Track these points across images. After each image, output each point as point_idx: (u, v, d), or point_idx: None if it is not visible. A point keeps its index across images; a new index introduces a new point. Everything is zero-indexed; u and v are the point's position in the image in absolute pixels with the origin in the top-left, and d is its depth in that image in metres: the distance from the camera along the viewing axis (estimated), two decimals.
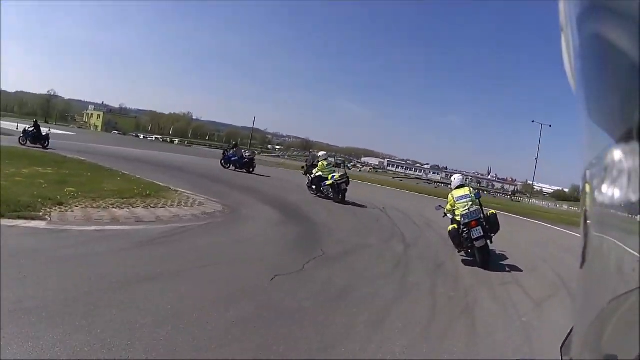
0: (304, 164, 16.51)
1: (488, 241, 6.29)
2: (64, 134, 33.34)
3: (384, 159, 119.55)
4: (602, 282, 0.45)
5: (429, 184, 54.72)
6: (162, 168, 15.97)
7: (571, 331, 0.43)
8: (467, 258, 6.62)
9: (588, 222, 0.49)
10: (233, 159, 19.03)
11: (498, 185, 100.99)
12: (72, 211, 6.45)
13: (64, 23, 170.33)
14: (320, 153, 14.21)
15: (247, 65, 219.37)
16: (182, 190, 10.32)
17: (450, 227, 6.66)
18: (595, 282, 0.48)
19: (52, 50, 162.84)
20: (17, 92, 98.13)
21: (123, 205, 7.26)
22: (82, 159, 14.20)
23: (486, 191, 51.76)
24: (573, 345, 0.52)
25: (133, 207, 7.24)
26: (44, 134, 18.01)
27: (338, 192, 12.24)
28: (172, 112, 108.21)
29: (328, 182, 12.49)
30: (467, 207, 6.56)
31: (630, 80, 0.36)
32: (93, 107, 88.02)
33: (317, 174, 13.01)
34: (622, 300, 0.37)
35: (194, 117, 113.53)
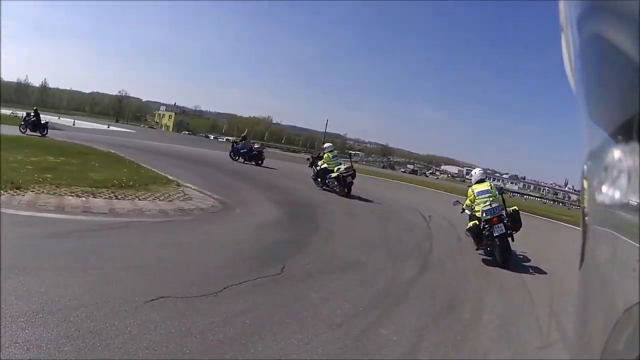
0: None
1: (509, 239, 6.16)
2: (123, 131, 36.85)
3: (463, 167, 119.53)
4: (601, 283, 0.46)
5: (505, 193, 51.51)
6: (192, 163, 16.00)
7: (611, 336, 0.37)
8: (486, 257, 6.51)
9: (586, 218, 0.51)
10: (242, 151, 19.27)
11: (574, 197, 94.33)
12: (23, 195, 6.11)
13: (140, 24, 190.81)
14: (326, 145, 13.75)
15: (328, 69, 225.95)
16: (186, 184, 9.84)
17: (471, 224, 6.52)
18: (594, 282, 0.49)
19: (126, 52, 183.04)
20: (92, 92, 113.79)
21: (85, 194, 6.79)
22: (113, 151, 14.60)
23: (562, 202, 48.37)
24: (573, 346, 0.52)
25: (95, 197, 6.70)
26: (43, 122, 19.09)
27: (344, 185, 12.19)
28: (252, 116, 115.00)
29: (333, 175, 12.40)
30: (488, 203, 6.45)
31: (630, 80, 0.37)
32: (165, 107, 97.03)
33: (322, 166, 12.92)
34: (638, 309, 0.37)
35: (274, 121, 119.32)
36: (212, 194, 9.25)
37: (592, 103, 0.49)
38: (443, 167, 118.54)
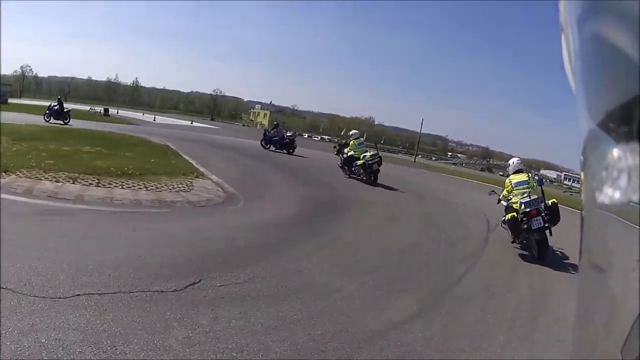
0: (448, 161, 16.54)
1: (547, 232, 6.08)
2: (206, 127, 40.01)
3: (561, 172, 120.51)
4: (601, 282, 0.46)
5: None
6: (246, 157, 15.87)
7: (630, 332, 0.36)
8: (523, 252, 6.46)
9: (586, 219, 0.52)
10: (274, 139, 19.41)
11: None
12: (4, 178, 6.21)
13: (240, 26, 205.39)
14: (352, 132, 13.78)
15: (430, 71, 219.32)
16: (210, 176, 9.62)
17: (509, 216, 6.41)
18: (593, 281, 0.50)
19: (225, 53, 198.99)
20: (190, 92, 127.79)
21: (68, 179, 6.72)
22: (169, 144, 15.05)
23: None
24: (573, 346, 0.53)
25: (74, 183, 6.57)
26: (65, 110, 20.54)
27: (370, 173, 12.33)
28: (354, 116, 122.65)
29: (359, 162, 12.50)
30: (527, 195, 6.39)
31: (630, 80, 0.38)
32: (260, 106, 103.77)
33: (348, 154, 13.02)
34: None
35: (376, 122, 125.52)
36: (228, 187, 8.62)
37: (592, 103, 0.50)
38: (542, 172, 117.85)
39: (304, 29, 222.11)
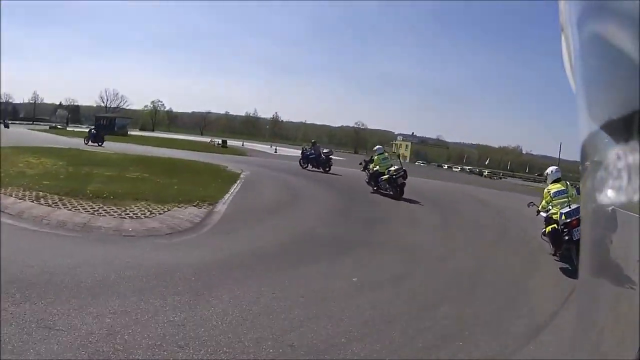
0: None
1: None
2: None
3: None
4: (601, 283, 0.47)
5: None
6: (313, 182, 15.08)
7: None
8: (563, 265, 6.43)
9: (586, 219, 0.54)
10: (311, 157, 19.87)
11: None
12: None
13: (377, 58, 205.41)
14: (376, 147, 14.40)
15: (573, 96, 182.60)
16: (217, 205, 9.21)
17: (549, 228, 6.54)
18: (594, 282, 0.50)
19: (372, 86, 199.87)
20: (340, 126, 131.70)
21: (32, 198, 7.34)
22: (242, 175, 14.90)
23: None
24: (573, 347, 0.53)
25: (33, 202, 7.15)
26: (100, 135, 24.74)
27: (395, 187, 12.64)
28: (501, 146, 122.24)
29: (384, 177, 12.88)
30: (566, 204, 6.43)
31: (630, 80, 0.39)
32: (402, 137, 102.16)
33: (374, 169, 13.54)
34: None
35: (524, 151, 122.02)
36: (217, 219, 7.99)
37: (592, 103, 0.51)
38: None
39: (447, 61, 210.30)
